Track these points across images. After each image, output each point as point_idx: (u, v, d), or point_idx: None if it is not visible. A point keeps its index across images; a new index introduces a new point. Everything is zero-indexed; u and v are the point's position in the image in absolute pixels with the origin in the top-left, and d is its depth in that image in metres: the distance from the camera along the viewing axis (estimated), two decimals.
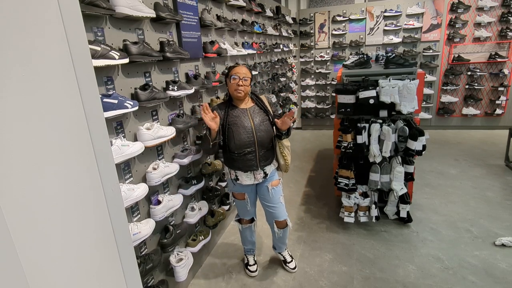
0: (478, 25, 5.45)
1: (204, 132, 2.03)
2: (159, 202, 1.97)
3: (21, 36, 0.65)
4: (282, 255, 2.55)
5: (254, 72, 3.58)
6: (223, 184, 2.87)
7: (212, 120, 1.93)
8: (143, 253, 1.92)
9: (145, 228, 1.77)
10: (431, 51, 5.68)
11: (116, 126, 1.69)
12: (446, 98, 5.82)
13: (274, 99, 4.30)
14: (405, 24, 5.74)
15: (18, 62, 0.64)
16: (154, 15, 1.87)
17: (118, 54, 1.57)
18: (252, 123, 2.09)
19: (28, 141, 0.67)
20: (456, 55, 5.60)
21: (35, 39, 0.68)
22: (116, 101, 1.56)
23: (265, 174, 2.20)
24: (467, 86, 5.71)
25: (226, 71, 2.11)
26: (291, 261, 2.53)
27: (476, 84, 5.61)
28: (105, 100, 1.50)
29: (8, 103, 0.62)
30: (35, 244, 0.68)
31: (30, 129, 0.67)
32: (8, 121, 0.63)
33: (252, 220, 2.46)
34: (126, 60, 1.63)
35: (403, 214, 2.90)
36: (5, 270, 0.61)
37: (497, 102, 5.61)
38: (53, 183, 0.72)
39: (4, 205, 0.61)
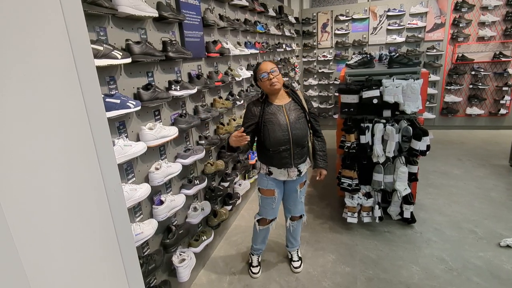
0: (482, 24, 5.41)
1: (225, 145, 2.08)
2: (161, 202, 1.97)
3: (22, 35, 0.64)
4: (290, 253, 2.56)
5: None
6: (226, 184, 2.86)
7: (239, 141, 1.94)
8: (145, 254, 1.92)
9: (147, 228, 1.76)
10: (434, 50, 5.65)
11: (119, 126, 1.69)
12: (449, 98, 5.78)
13: None
14: (409, 24, 5.71)
15: (19, 61, 0.64)
16: (157, 15, 1.87)
17: (121, 53, 1.57)
18: (288, 121, 2.06)
19: (30, 142, 0.66)
20: (460, 55, 5.56)
21: (37, 39, 0.67)
22: (118, 101, 1.55)
23: (300, 172, 2.20)
24: (471, 86, 5.68)
25: (253, 75, 2.15)
26: (298, 261, 2.53)
27: (480, 84, 5.57)
28: (107, 100, 1.50)
29: (9, 103, 0.62)
30: (36, 245, 0.67)
31: (31, 129, 0.66)
32: (10, 121, 0.62)
33: (272, 220, 2.41)
34: (129, 60, 1.62)
35: (406, 214, 2.88)
36: (6, 271, 0.61)
37: (501, 102, 5.57)
38: (55, 183, 0.72)
39: (5, 205, 0.60)
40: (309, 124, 2.19)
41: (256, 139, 2.21)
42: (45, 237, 0.70)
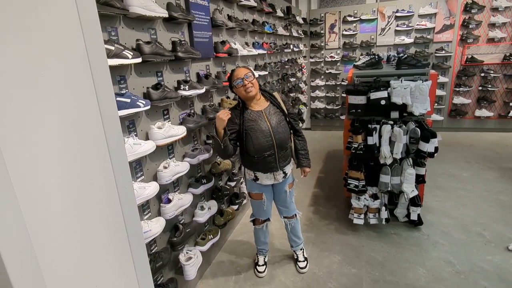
0: (492, 25, 5.34)
1: (212, 134, 2.04)
2: (169, 201, 1.99)
3: (41, 36, 0.66)
4: (296, 253, 2.56)
5: (264, 72, 3.58)
6: (233, 183, 2.87)
7: (225, 116, 1.95)
8: (153, 251, 1.94)
9: (155, 226, 1.79)
10: (443, 52, 5.59)
11: (129, 125, 1.71)
12: (458, 100, 5.72)
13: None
14: (417, 25, 5.66)
15: (38, 62, 0.66)
16: (167, 15, 1.89)
17: (131, 53, 1.59)
18: (270, 126, 2.05)
19: (46, 138, 0.68)
20: (470, 56, 5.50)
21: (55, 40, 0.69)
22: (129, 100, 1.58)
23: (285, 174, 2.21)
24: (480, 88, 5.61)
25: (228, 82, 2.15)
26: (303, 261, 2.53)
27: (489, 86, 5.51)
28: (118, 99, 1.52)
29: (28, 102, 0.64)
30: (51, 238, 0.69)
31: (48, 127, 0.68)
32: (27, 119, 0.64)
33: (266, 220, 2.45)
34: (139, 60, 1.65)
35: (413, 216, 2.86)
36: (22, 263, 0.63)
37: (511, 104, 5.49)
38: (70, 179, 0.74)
39: (23, 201, 0.62)
40: (289, 125, 2.18)
41: (238, 145, 2.17)
42: (59, 230, 0.71)
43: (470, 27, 5.40)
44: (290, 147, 2.25)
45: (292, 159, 2.31)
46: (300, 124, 5.56)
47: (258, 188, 2.25)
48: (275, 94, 2.21)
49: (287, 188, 2.29)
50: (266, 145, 2.05)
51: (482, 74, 5.52)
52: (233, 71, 2.11)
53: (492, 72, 5.44)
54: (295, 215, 2.46)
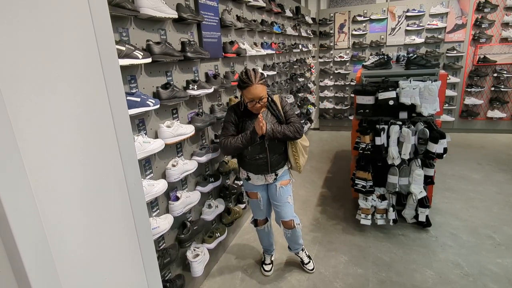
0: (505, 25, 5.25)
1: (248, 135, 2.01)
2: (177, 198, 2.02)
3: (55, 38, 0.69)
4: (299, 256, 2.54)
5: (272, 72, 3.60)
6: (240, 182, 2.90)
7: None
8: (161, 248, 1.97)
9: (163, 223, 1.82)
10: (455, 52, 5.52)
11: (138, 124, 1.75)
12: (470, 101, 5.64)
13: (291, 100, 4.30)
14: (428, 24, 5.60)
15: (51, 62, 0.69)
16: (176, 16, 1.92)
17: (142, 53, 1.63)
18: None
19: (60, 136, 0.71)
20: (482, 56, 5.41)
21: (68, 41, 0.72)
22: (139, 99, 1.61)
23: (276, 175, 2.23)
24: (493, 88, 5.51)
25: (241, 83, 2.01)
26: (309, 262, 2.53)
27: (502, 86, 5.41)
28: (128, 98, 1.56)
29: (41, 102, 0.67)
30: (63, 231, 0.72)
31: (62, 126, 0.71)
32: (42, 118, 0.67)
33: (266, 221, 2.46)
34: (149, 60, 1.68)
35: (421, 218, 2.84)
36: (37, 255, 0.66)
37: None
38: (82, 175, 0.77)
39: (38, 196, 0.65)
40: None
41: None
42: (70, 225, 0.74)
43: (482, 26, 5.31)
44: (287, 152, 2.25)
45: (289, 162, 2.29)
46: (309, 124, 5.59)
47: (252, 187, 2.29)
48: (275, 98, 2.22)
49: (278, 184, 2.23)
50: (258, 148, 2.10)
51: (495, 75, 5.42)
52: (247, 75, 1.98)
53: (505, 72, 5.35)
54: (293, 222, 2.29)
